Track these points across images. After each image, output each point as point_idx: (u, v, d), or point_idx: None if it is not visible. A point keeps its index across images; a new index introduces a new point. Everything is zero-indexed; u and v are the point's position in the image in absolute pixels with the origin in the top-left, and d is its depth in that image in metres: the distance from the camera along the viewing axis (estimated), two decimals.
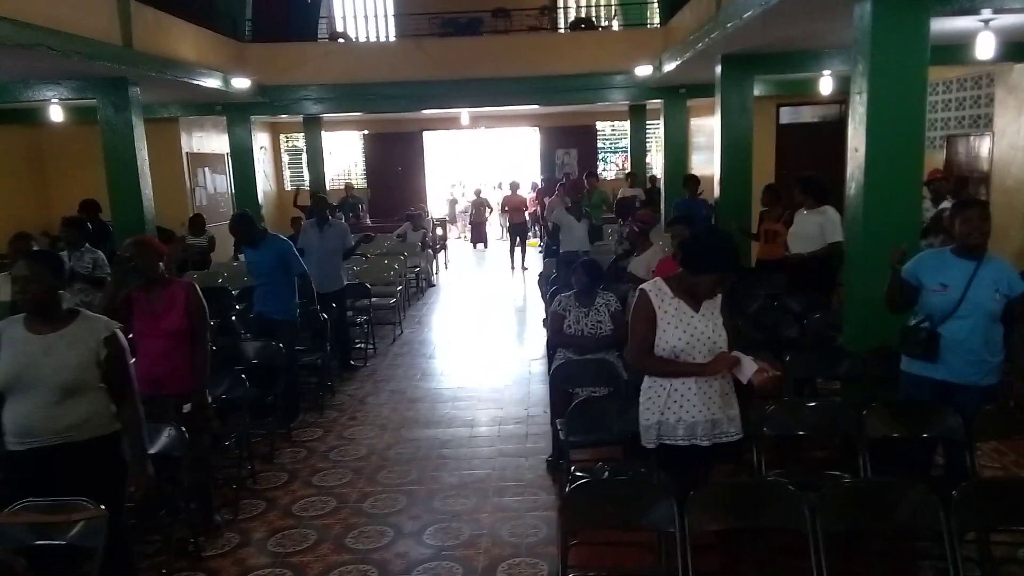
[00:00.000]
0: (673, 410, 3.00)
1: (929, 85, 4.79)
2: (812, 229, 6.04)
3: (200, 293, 4.00)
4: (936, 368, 3.52)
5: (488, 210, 16.17)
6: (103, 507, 2.72)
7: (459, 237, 18.29)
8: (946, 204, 7.15)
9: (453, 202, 18.78)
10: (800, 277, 6.13)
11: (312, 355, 6.24)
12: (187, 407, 3.89)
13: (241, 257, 7.89)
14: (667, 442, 3.03)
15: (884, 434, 3.53)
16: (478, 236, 16.25)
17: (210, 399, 4.05)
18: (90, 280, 5.67)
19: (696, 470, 3.06)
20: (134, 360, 3.46)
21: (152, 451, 3.53)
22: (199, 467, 3.99)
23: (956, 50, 7.68)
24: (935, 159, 9.15)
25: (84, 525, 2.71)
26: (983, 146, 8.64)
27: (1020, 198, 7.96)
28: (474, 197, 16.34)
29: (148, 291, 3.89)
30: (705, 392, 2.98)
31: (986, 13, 5.89)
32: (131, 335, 3.82)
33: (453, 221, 17.51)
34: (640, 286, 3.16)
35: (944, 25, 6.24)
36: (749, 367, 2.85)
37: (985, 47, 6.39)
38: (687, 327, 2.96)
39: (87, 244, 5.98)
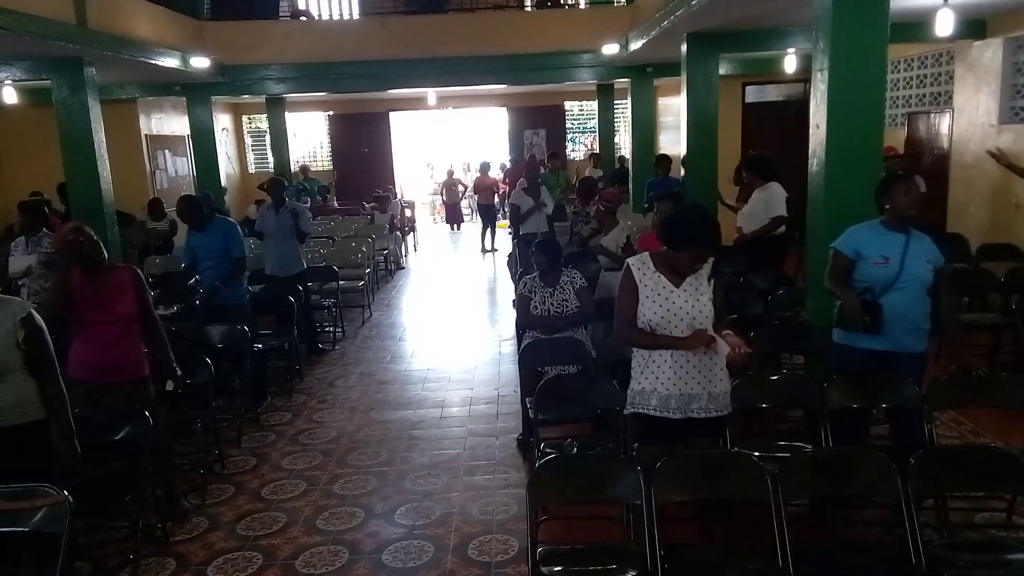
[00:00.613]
0: (649, 380, 3.06)
1: (890, 63, 4.86)
2: (758, 207, 6.20)
3: (141, 275, 3.95)
4: (877, 339, 3.59)
5: (462, 188, 16.07)
6: (67, 493, 2.68)
7: (433, 219, 18.18)
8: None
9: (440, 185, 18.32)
10: (753, 255, 6.26)
11: (278, 339, 6.19)
12: (170, 384, 3.89)
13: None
14: (639, 411, 3.08)
15: (844, 405, 3.61)
16: (453, 217, 16.17)
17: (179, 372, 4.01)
18: (48, 264, 5.54)
19: (670, 442, 3.10)
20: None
21: (117, 438, 3.50)
22: (158, 452, 3.94)
23: (916, 27, 7.78)
24: (896, 136, 9.29)
25: (47, 511, 2.67)
26: (943, 123, 8.78)
27: (979, 174, 8.12)
28: (446, 178, 16.24)
29: (91, 278, 3.76)
30: (681, 366, 3.02)
31: None
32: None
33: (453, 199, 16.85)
34: (627, 259, 3.19)
35: (904, 2, 6.32)
36: (723, 346, 2.89)
37: (944, 24, 6.47)
38: (664, 301, 3.00)
39: (44, 228, 5.83)
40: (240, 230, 5.97)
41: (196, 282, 6.03)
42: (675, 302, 3.00)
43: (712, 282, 3.06)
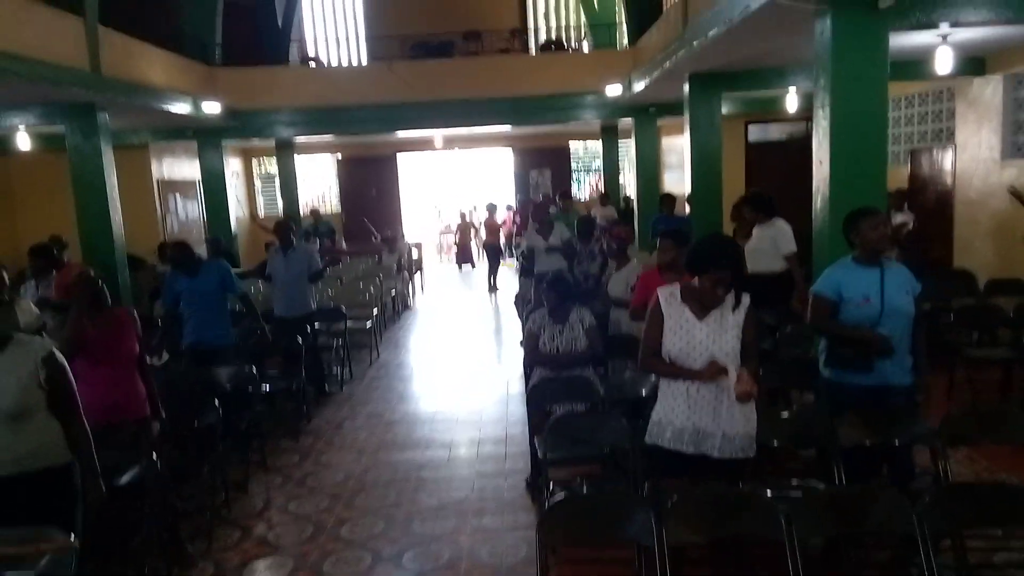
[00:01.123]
0: (665, 412, 3.06)
1: (892, 100, 4.92)
2: (764, 244, 6.18)
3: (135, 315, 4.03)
4: (867, 376, 3.57)
5: (474, 231, 16.22)
6: (73, 537, 2.66)
7: (441, 259, 18.26)
8: (901, 217, 7.32)
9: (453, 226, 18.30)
10: (761, 292, 6.21)
11: (286, 380, 6.18)
12: (156, 427, 3.91)
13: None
14: (656, 442, 3.07)
15: (857, 442, 3.56)
16: (464, 257, 16.24)
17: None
18: (58, 307, 5.58)
19: (681, 478, 3.06)
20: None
21: (122, 481, 3.48)
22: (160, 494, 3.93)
23: (916, 65, 7.89)
24: (900, 173, 9.35)
25: (52, 557, 2.64)
26: (946, 159, 8.84)
27: (983, 210, 8.15)
28: (459, 221, 16.36)
29: (98, 319, 3.83)
30: (696, 400, 3.00)
31: (944, 27, 6.06)
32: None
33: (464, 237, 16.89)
34: (657, 289, 3.20)
35: (904, 41, 6.41)
36: (733, 378, 2.88)
37: (944, 62, 6.57)
38: (686, 334, 3.00)
39: (55, 272, 5.90)
40: (231, 269, 6.00)
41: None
42: (695, 335, 2.99)
43: (744, 318, 3.02)
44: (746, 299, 3.08)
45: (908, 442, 3.60)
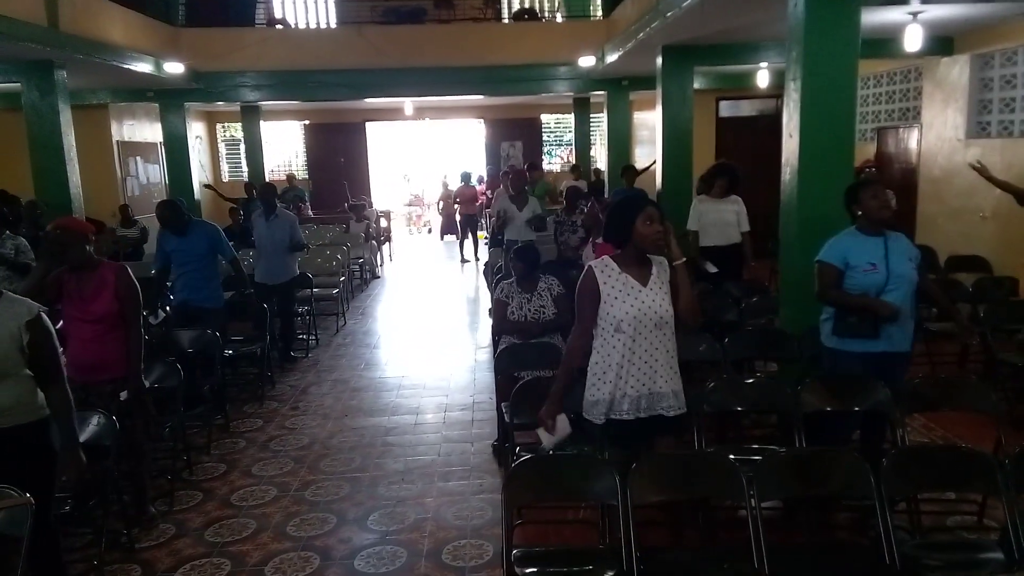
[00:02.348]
0: (619, 386, 3.02)
1: (860, 79, 4.94)
2: (732, 217, 6.25)
3: (131, 276, 3.86)
4: (876, 343, 3.63)
5: (454, 200, 15.93)
6: (28, 495, 2.60)
7: (418, 230, 18.00)
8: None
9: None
10: (725, 263, 6.30)
11: (251, 345, 6.10)
12: (123, 394, 3.77)
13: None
14: (614, 417, 3.06)
15: (817, 408, 3.63)
16: (449, 228, 15.98)
17: (146, 385, 3.92)
18: (13, 266, 5.43)
19: (639, 443, 3.09)
20: (63, 349, 3.32)
21: (83, 440, 3.40)
22: (133, 456, 3.87)
23: (886, 43, 7.95)
24: (866, 151, 9.47)
25: (7, 514, 2.58)
26: (912, 138, 8.97)
27: (947, 188, 8.29)
28: (442, 190, 16.11)
29: (77, 275, 3.73)
30: (650, 366, 3.01)
31: (915, 4, 6.11)
32: (60, 322, 3.67)
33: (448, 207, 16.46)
34: (588, 263, 3.17)
35: (875, 17, 6.45)
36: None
37: (913, 40, 6.63)
38: (635, 301, 2.99)
39: (7, 231, 5.72)
40: (222, 232, 5.90)
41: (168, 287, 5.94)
42: (644, 300, 2.99)
43: (667, 273, 3.05)
44: (664, 261, 3.07)
45: (871, 409, 3.67)
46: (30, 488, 2.66)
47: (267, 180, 10.22)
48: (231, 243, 6.97)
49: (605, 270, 3.04)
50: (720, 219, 6.31)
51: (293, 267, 6.99)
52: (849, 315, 3.68)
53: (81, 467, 2.96)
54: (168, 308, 5.94)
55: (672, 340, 3.06)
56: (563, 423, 3.10)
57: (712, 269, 6.24)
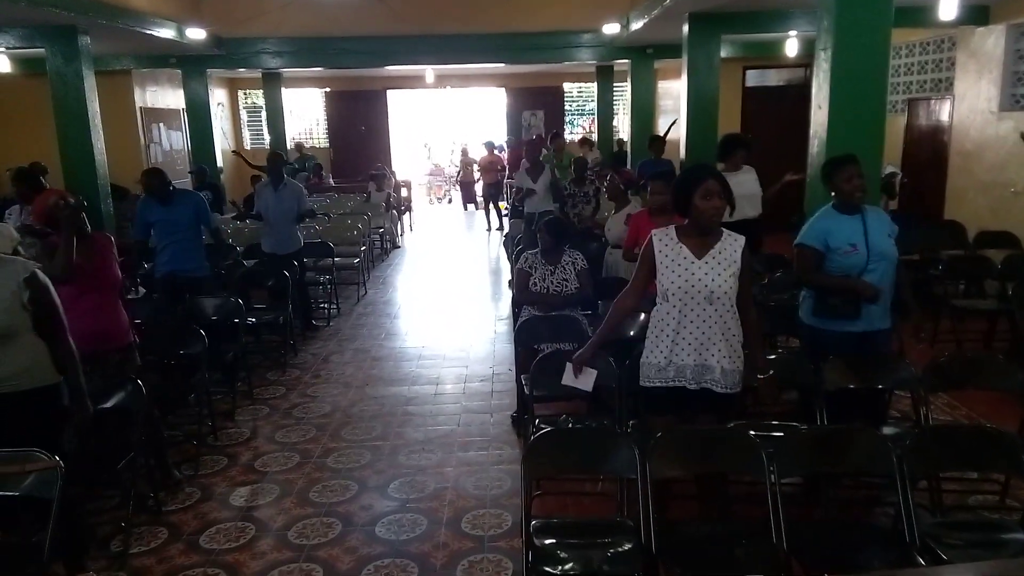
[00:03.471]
0: (675, 352, 3.03)
1: (892, 48, 4.81)
2: (753, 187, 6.08)
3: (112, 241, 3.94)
4: (855, 322, 3.62)
5: (476, 168, 15.88)
6: (57, 458, 2.66)
7: (439, 199, 17.96)
8: (890, 168, 7.24)
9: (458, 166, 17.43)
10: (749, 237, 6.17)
11: (272, 313, 6.16)
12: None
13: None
14: (660, 384, 3.07)
15: (840, 386, 3.60)
16: (468, 196, 15.95)
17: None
18: (37, 233, 5.48)
19: (681, 414, 3.08)
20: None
21: (107, 405, 3.47)
22: (148, 420, 3.93)
23: (919, 12, 7.74)
24: (896, 122, 9.26)
25: (37, 476, 2.65)
26: (943, 110, 8.75)
27: (978, 162, 8.11)
28: (461, 156, 16.03)
29: (81, 245, 3.70)
30: (698, 339, 3.00)
31: None
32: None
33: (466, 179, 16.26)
34: (652, 231, 3.17)
35: None
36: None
37: (948, 8, 6.44)
38: (684, 271, 2.99)
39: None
40: (206, 201, 5.90)
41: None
42: (695, 273, 2.98)
43: (740, 257, 3.00)
44: (741, 239, 3.06)
45: (890, 387, 3.65)
46: (49, 451, 2.72)
47: (279, 150, 10.21)
48: (252, 212, 7.03)
49: (664, 239, 3.07)
50: (743, 191, 6.15)
51: (300, 237, 6.99)
52: (831, 296, 3.66)
53: (87, 416, 3.03)
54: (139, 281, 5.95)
55: (729, 317, 3.00)
56: (589, 375, 3.24)
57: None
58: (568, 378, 3.27)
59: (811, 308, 3.77)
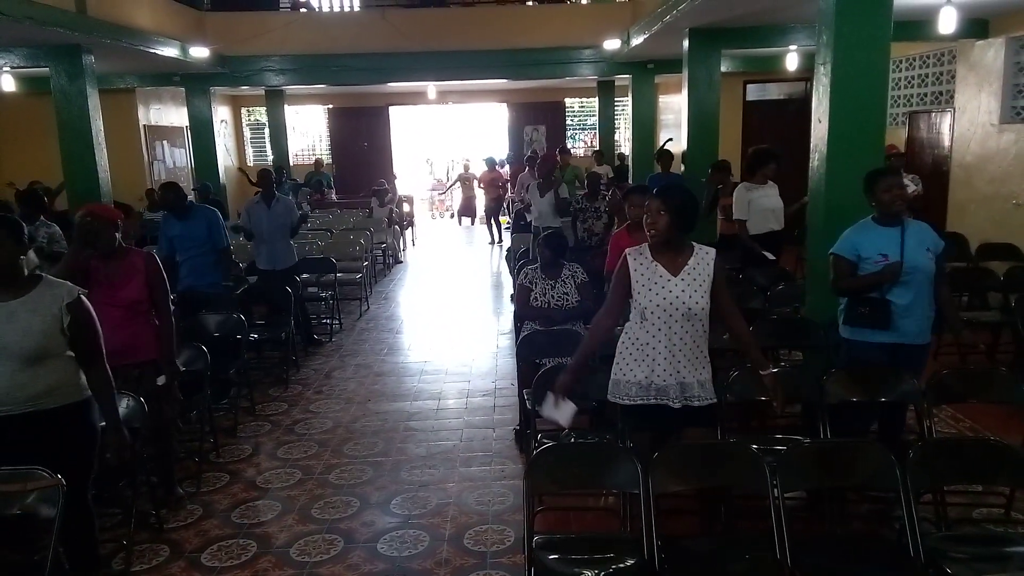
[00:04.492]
0: (655, 371, 3.03)
1: (892, 62, 4.84)
2: (776, 202, 6.08)
3: (159, 262, 3.92)
4: (888, 333, 3.61)
5: (478, 183, 15.93)
6: (60, 476, 2.65)
7: (441, 214, 18.03)
8: (910, 183, 7.24)
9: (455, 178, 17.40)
10: (774, 249, 6.14)
11: (275, 330, 6.17)
12: (161, 378, 3.83)
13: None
14: (640, 402, 3.06)
15: (843, 399, 3.59)
16: (467, 211, 16.03)
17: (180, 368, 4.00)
18: (46, 255, 5.52)
19: (667, 432, 3.09)
20: None
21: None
22: (162, 439, 3.93)
23: (919, 26, 7.78)
24: (897, 135, 9.28)
25: (38, 495, 2.64)
26: (944, 123, 8.78)
27: (979, 174, 8.12)
28: (462, 171, 16.12)
29: (105, 262, 3.79)
30: (675, 356, 3.01)
31: None
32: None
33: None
34: (626, 251, 3.18)
35: (907, 0, 6.30)
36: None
37: (947, 22, 6.46)
38: (661, 289, 2.99)
39: (42, 218, 5.82)
40: (222, 219, 5.91)
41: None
42: (671, 291, 2.99)
43: (713, 271, 3.01)
44: (712, 252, 3.06)
45: (897, 400, 3.63)
46: (71, 468, 2.73)
47: (281, 165, 10.27)
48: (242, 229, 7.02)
49: (638, 257, 3.07)
50: (770, 204, 6.10)
51: (294, 253, 6.99)
52: (860, 305, 3.66)
53: (124, 445, 3.04)
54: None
55: (700, 331, 3.04)
56: (568, 408, 3.11)
57: (770, 256, 6.06)
58: (548, 409, 3.15)
59: (844, 318, 3.77)
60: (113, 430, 3.01)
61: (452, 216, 17.69)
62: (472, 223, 15.91)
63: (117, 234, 3.80)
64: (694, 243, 3.09)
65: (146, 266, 3.83)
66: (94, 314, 2.99)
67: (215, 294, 5.64)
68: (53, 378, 2.88)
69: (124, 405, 3.49)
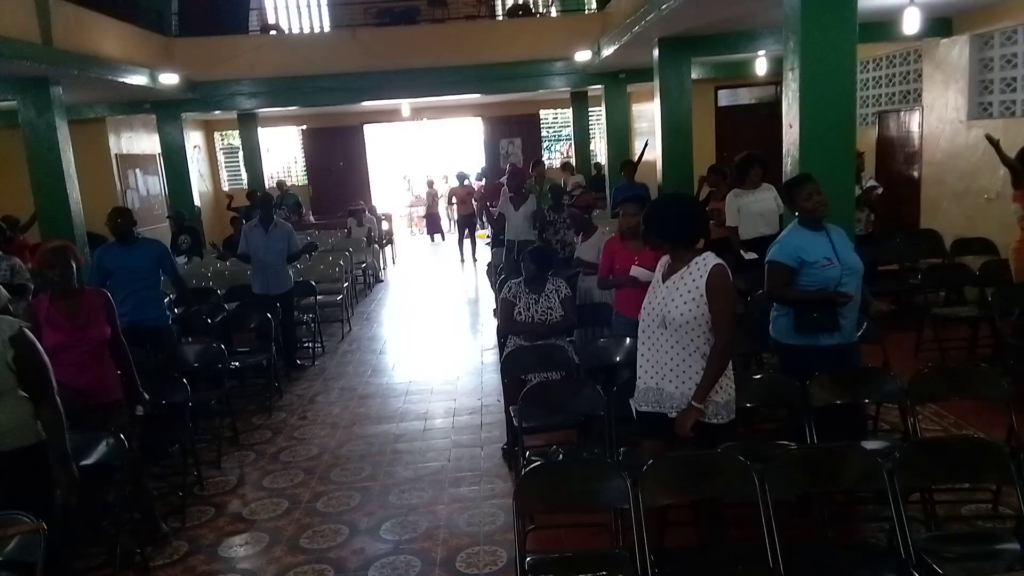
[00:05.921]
0: (640, 375, 3.09)
1: (859, 62, 4.91)
2: (771, 205, 6.07)
3: (110, 297, 3.85)
4: (832, 335, 3.67)
5: (446, 200, 15.95)
6: (41, 521, 2.59)
7: (421, 231, 18.04)
8: (872, 182, 7.31)
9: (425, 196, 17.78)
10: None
11: (257, 356, 6.10)
12: (139, 410, 3.79)
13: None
14: (642, 407, 3.08)
15: (827, 402, 3.61)
16: (433, 227, 16.04)
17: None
18: (9, 288, 5.40)
19: (666, 438, 3.05)
20: None
21: (89, 462, 3.40)
22: (134, 475, 3.85)
23: (884, 27, 7.90)
24: (867, 135, 9.40)
25: (20, 540, 2.58)
26: (913, 121, 8.90)
27: (950, 170, 8.23)
28: (427, 188, 16.13)
29: (64, 301, 3.65)
30: (652, 363, 3.03)
31: None
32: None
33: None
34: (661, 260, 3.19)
35: (872, 2, 6.40)
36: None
37: (911, 22, 6.56)
38: (650, 295, 3.07)
39: (2, 252, 5.72)
40: (169, 250, 5.73)
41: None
42: (656, 296, 3.02)
43: (705, 284, 2.89)
44: (711, 264, 2.93)
45: (878, 400, 3.66)
46: (34, 513, 2.65)
47: (260, 190, 10.18)
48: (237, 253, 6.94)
49: (664, 259, 3.12)
50: (759, 209, 6.08)
51: (291, 276, 6.94)
52: (811, 311, 3.68)
53: (73, 481, 2.94)
54: None
55: (686, 341, 2.93)
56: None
57: (751, 255, 6.04)
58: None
59: (789, 326, 3.77)
60: (63, 466, 2.91)
61: (424, 233, 17.73)
62: (443, 239, 15.93)
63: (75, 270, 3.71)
64: (702, 253, 2.99)
65: (105, 304, 3.75)
66: (39, 347, 2.93)
67: (163, 327, 5.41)
68: (9, 417, 2.82)
69: (103, 444, 3.44)
